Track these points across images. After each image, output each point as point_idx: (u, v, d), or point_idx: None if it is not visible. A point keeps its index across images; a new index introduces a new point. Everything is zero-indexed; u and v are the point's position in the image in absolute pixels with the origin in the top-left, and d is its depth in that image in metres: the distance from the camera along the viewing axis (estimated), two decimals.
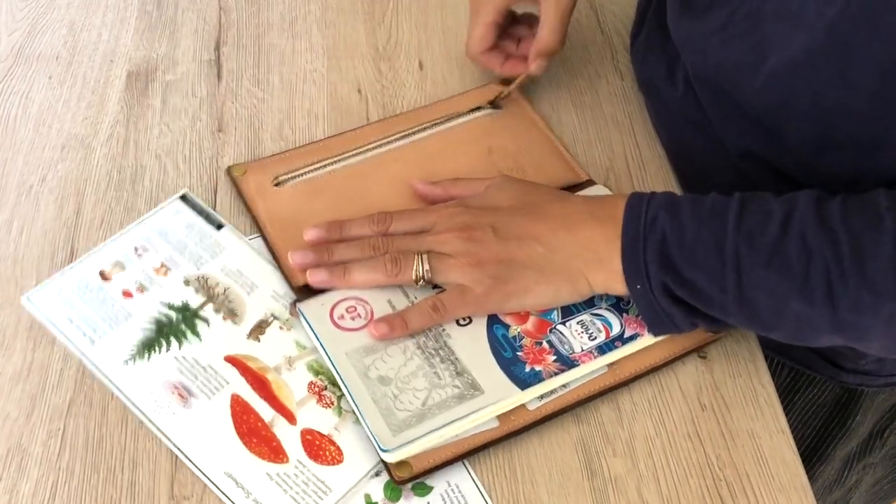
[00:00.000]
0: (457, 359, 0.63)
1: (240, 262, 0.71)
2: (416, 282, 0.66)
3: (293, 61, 0.85)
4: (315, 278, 0.67)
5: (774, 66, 0.61)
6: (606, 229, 0.63)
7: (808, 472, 0.62)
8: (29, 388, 0.64)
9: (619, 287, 0.63)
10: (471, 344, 0.64)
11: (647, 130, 0.81)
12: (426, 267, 0.65)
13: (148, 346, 0.66)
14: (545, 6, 0.78)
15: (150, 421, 0.62)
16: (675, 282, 0.60)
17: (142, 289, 0.69)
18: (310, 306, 0.67)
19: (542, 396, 0.62)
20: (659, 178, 0.78)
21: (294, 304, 0.67)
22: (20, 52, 0.85)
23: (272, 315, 0.68)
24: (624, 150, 0.80)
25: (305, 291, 0.68)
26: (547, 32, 0.78)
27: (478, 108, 0.80)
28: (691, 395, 0.65)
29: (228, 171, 0.75)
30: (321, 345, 0.64)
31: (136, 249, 0.71)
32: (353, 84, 0.84)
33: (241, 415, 0.62)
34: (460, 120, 0.79)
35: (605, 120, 0.82)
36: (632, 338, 0.64)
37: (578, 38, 0.89)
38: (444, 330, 0.65)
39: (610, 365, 0.64)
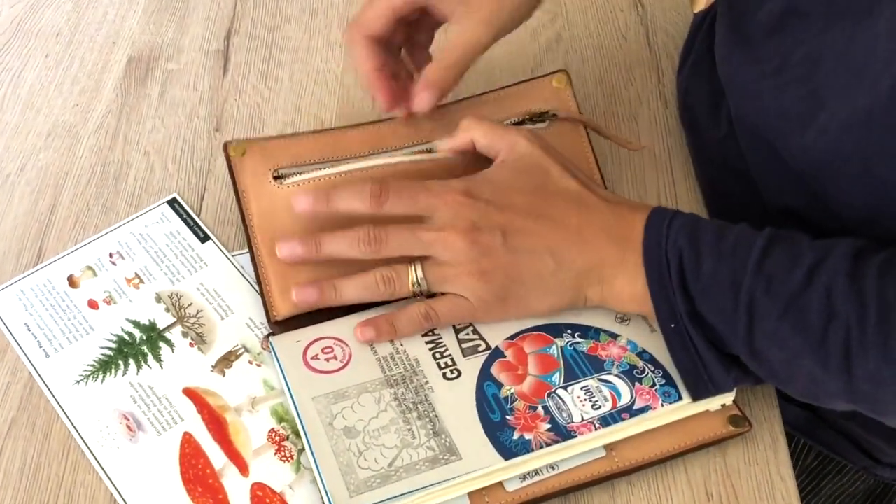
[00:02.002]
0: (437, 416, 0.56)
1: (219, 281, 0.64)
2: (414, 295, 0.60)
3: (307, 58, 0.79)
4: (303, 299, 0.60)
5: (826, 122, 0.53)
6: (616, 251, 0.58)
7: None
8: None
9: (616, 306, 0.60)
10: (455, 401, 0.57)
11: (686, 167, 0.73)
12: (421, 276, 0.59)
13: (104, 367, 0.60)
14: (462, 21, 0.64)
15: (92, 453, 0.56)
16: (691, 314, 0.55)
17: (110, 300, 0.63)
18: (283, 342, 0.60)
19: (524, 476, 0.55)
20: None
21: (267, 337, 0.61)
22: (19, 27, 0.80)
23: (243, 346, 0.61)
24: (658, 187, 0.72)
25: (283, 325, 0.61)
26: (448, 58, 0.64)
27: (524, 122, 0.70)
28: (697, 482, 0.57)
29: (225, 147, 0.66)
30: (287, 384, 0.58)
31: (110, 255, 0.66)
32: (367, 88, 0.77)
33: (191, 458, 0.56)
34: None
35: (642, 152, 0.74)
36: (642, 410, 0.57)
37: (622, 56, 0.81)
38: (426, 382, 0.58)
39: (609, 448, 0.57)
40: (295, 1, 0.83)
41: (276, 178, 0.65)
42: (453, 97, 0.72)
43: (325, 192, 0.61)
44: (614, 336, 0.60)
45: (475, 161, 0.65)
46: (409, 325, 0.59)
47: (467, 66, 0.65)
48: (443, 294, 0.60)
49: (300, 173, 0.66)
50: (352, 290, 0.60)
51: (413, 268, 0.59)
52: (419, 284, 0.59)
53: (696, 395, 0.57)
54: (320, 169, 0.66)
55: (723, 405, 0.58)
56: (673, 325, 0.55)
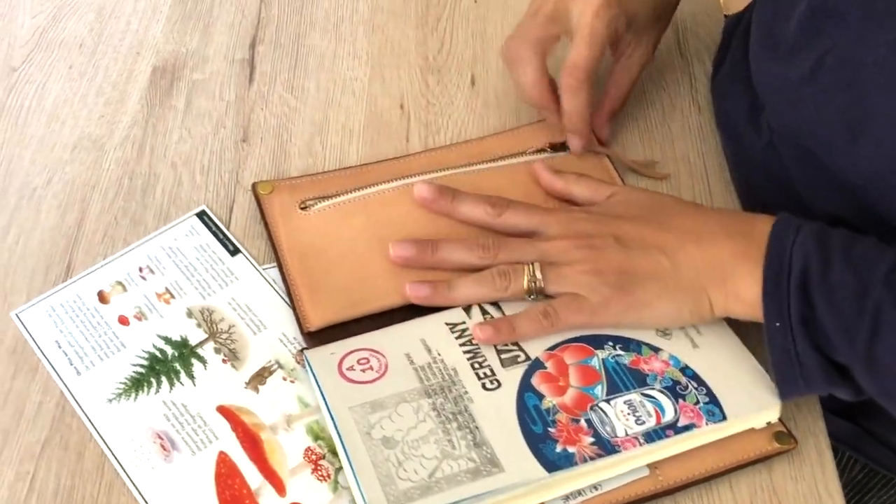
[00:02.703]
0: (477, 427, 0.55)
1: (250, 295, 0.63)
2: (528, 294, 0.60)
3: (333, 67, 0.77)
4: (416, 294, 0.61)
5: (879, 133, 0.52)
6: (736, 246, 0.58)
7: None
8: (3, 421, 0.58)
9: (738, 309, 0.58)
10: (496, 412, 0.56)
11: (722, 175, 0.72)
12: (538, 276, 0.59)
13: (136, 385, 0.59)
14: (638, 48, 0.71)
15: (127, 474, 0.55)
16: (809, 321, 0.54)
17: (140, 316, 0.62)
18: (317, 354, 0.59)
19: (567, 497, 0.54)
20: None
21: (301, 351, 0.60)
22: (42, 38, 0.79)
23: (276, 362, 0.60)
24: (694, 196, 0.70)
25: (315, 339, 0.60)
26: (617, 89, 0.72)
27: (542, 151, 0.71)
28: (743, 499, 0.56)
29: (254, 187, 0.67)
30: (322, 396, 0.57)
31: (140, 270, 0.64)
32: (395, 97, 0.75)
33: (226, 477, 0.55)
34: (522, 159, 0.70)
35: (676, 160, 0.72)
36: (686, 428, 0.55)
37: (655, 61, 0.79)
38: (465, 392, 0.57)
39: (653, 466, 0.55)
40: (320, 8, 0.82)
41: (302, 207, 0.66)
42: (480, 131, 0.73)
43: (450, 191, 0.64)
44: (656, 350, 0.59)
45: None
46: (529, 324, 0.59)
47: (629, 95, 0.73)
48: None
49: (326, 199, 0.67)
50: (466, 285, 0.61)
51: (530, 267, 0.60)
52: (535, 281, 0.59)
53: (785, 395, 0.56)
54: (348, 194, 0.67)
55: (768, 422, 0.57)
56: (778, 324, 0.54)
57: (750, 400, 0.57)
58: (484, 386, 0.57)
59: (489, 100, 0.76)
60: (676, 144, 0.74)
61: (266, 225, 0.66)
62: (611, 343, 0.59)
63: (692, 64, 0.80)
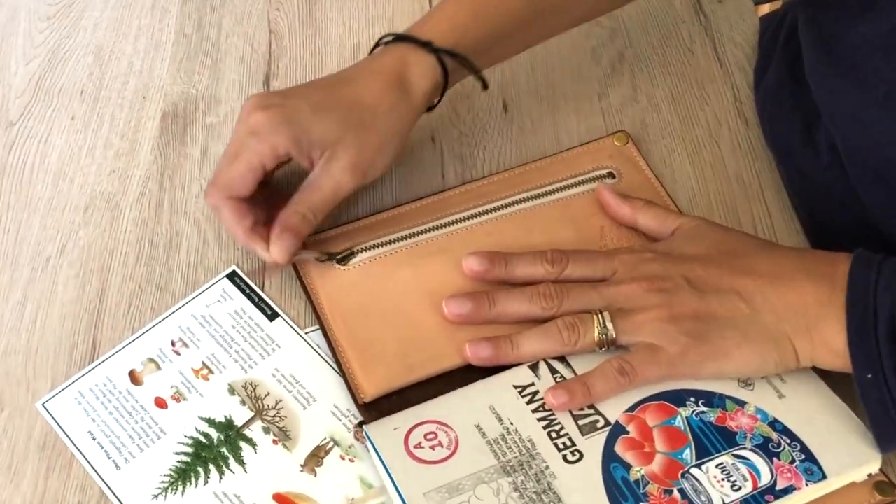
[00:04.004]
0: None
1: (295, 364, 0.59)
2: (599, 346, 0.55)
3: None
4: (477, 355, 0.56)
5: None
6: (820, 289, 0.53)
7: None
8: None
9: (826, 359, 0.53)
10: (582, 488, 0.52)
11: (779, 195, 0.67)
12: (609, 326, 0.55)
13: (182, 476, 0.54)
14: (326, 166, 0.59)
15: None
16: None
17: (178, 397, 0.57)
18: (379, 430, 0.54)
19: None
20: None
21: (359, 426, 0.56)
22: (39, 86, 0.73)
23: (331, 439, 0.56)
24: (753, 220, 0.66)
25: (372, 410, 0.56)
26: (308, 202, 0.59)
27: (588, 181, 0.66)
28: None
29: None
30: (392, 481, 0.52)
31: (173, 344, 0.60)
32: (425, 130, 0.70)
33: None
34: (569, 192, 0.65)
35: (730, 180, 0.68)
36: (786, 491, 0.51)
37: (692, 73, 0.75)
38: (547, 467, 0.52)
39: None
40: (334, 35, 0.76)
41: (340, 260, 0.61)
42: (518, 160, 0.68)
43: (502, 256, 0.59)
44: (741, 403, 0.55)
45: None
46: (605, 384, 0.54)
47: (327, 211, 0.60)
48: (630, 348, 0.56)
49: (365, 250, 0.62)
50: (531, 341, 0.56)
51: (598, 314, 0.55)
52: (605, 333, 0.55)
53: (887, 449, 0.52)
54: (386, 245, 0.62)
55: (869, 474, 0.53)
56: (870, 376, 0.50)
57: (849, 454, 0.53)
58: (565, 458, 0.53)
59: (525, 125, 0.71)
60: (728, 163, 0.69)
61: (303, 285, 0.61)
62: (692, 399, 0.55)
63: (732, 74, 0.75)
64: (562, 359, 0.57)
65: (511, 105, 0.72)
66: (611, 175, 0.66)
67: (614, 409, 0.55)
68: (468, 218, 0.63)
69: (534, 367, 0.57)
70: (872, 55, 0.56)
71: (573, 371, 0.56)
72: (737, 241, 0.59)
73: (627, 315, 0.56)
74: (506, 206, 0.64)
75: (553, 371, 0.57)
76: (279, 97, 0.61)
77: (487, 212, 0.64)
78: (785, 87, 0.67)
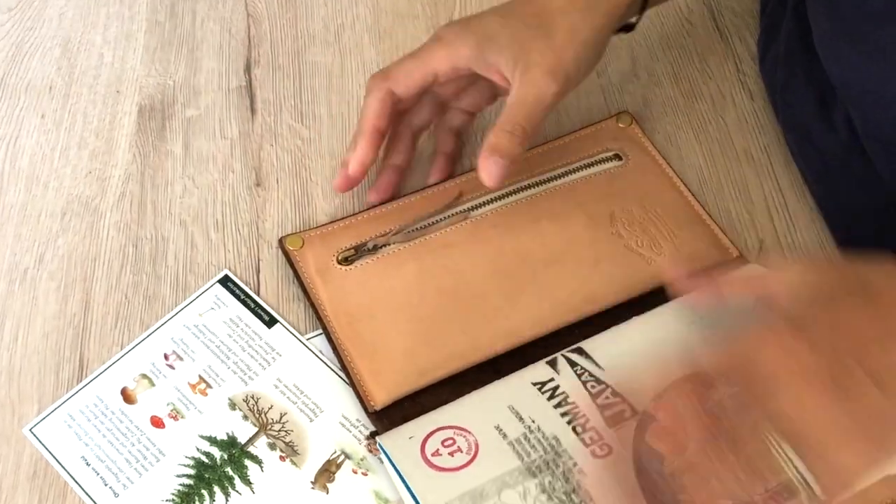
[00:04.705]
0: None
1: (298, 373, 0.55)
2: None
3: (343, 86, 0.68)
4: None
5: None
6: None
7: None
8: None
9: None
10: (614, 484, 0.49)
11: (790, 171, 0.65)
12: (801, 470, 0.38)
13: (186, 500, 0.51)
14: (524, 76, 0.56)
15: None
16: None
17: (176, 415, 0.54)
18: (394, 440, 0.52)
19: None
20: (811, 234, 0.62)
21: (372, 436, 0.53)
22: (4, 83, 0.68)
23: (342, 452, 0.53)
24: (765, 198, 0.63)
25: (384, 418, 0.53)
26: (514, 118, 0.55)
27: (599, 162, 0.63)
28: None
29: (281, 243, 0.59)
30: (411, 493, 0.49)
31: (166, 357, 0.56)
32: None
33: None
34: (575, 176, 0.62)
35: (738, 157, 0.65)
36: None
37: (693, 45, 0.72)
38: (574, 464, 0.49)
39: None
40: (316, 18, 0.72)
41: (341, 262, 0.58)
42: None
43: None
44: None
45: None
46: None
47: (535, 125, 0.56)
48: None
49: (369, 250, 0.58)
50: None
51: (779, 450, 0.39)
52: (803, 481, 0.38)
53: None
54: (390, 242, 0.59)
55: None
56: None
57: None
58: (594, 453, 0.50)
59: None
60: (735, 139, 0.66)
61: (302, 286, 0.58)
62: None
63: (733, 43, 0.72)
64: (581, 351, 0.54)
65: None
66: (617, 157, 0.63)
67: (642, 397, 0.52)
68: (472, 209, 0.60)
69: (552, 363, 0.54)
70: (891, 22, 0.53)
71: (594, 363, 0.54)
72: (873, 283, 0.42)
73: (806, 439, 0.39)
74: (510, 194, 0.61)
75: (573, 364, 0.54)
76: (466, 18, 0.60)
77: (491, 201, 0.61)
78: (795, 60, 0.64)
